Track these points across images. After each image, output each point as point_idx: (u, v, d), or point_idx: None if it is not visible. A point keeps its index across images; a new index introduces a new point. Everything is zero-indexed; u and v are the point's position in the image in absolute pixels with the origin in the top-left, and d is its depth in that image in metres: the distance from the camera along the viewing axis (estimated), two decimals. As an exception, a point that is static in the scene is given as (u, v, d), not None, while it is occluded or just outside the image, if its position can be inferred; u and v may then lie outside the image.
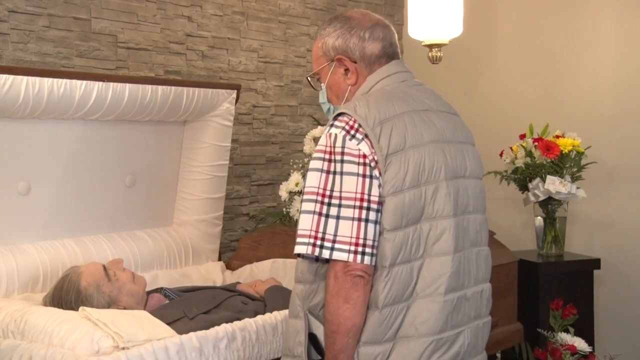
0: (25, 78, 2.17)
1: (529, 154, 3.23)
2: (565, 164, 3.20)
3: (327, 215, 1.59)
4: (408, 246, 1.62)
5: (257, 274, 2.81)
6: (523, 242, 3.70)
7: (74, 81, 2.30)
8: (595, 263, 3.29)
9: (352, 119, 1.63)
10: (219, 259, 3.01)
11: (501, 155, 3.33)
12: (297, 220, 2.82)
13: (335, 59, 1.78)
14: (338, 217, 1.58)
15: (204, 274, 2.86)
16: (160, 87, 2.54)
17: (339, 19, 1.80)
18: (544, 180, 3.17)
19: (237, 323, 2.11)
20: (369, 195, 1.59)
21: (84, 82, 2.32)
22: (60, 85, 2.26)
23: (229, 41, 3.32)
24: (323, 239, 1.58)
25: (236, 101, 2.84)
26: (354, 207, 1.58)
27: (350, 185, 1.59)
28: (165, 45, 3.08)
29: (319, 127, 3.00)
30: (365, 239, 1.58)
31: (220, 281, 2.85)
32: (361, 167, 1.60)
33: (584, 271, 3.28)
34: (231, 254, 3.18)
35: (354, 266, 1.57)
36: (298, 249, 1.61)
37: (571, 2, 3.65)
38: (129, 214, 2.72)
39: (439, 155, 1.69)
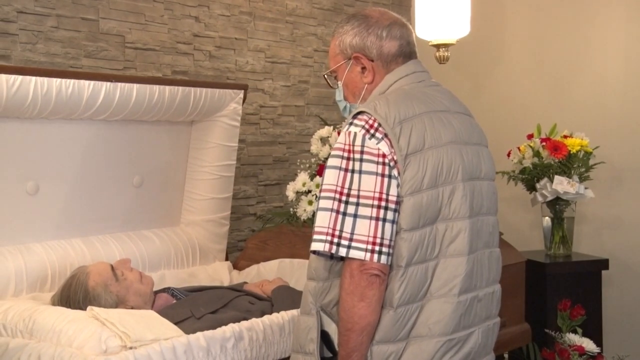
0: (33, 78, 2.18)
1: (536, 154, 3.22)
2: (573, 164, 3.19)
3: (345, 214, 1.59)
4: (424, 246, 1.63)
5: (264, 274, 2.81)
6: (531, 242, 3.69)
7: (82, 81, 2.31)
8: (604, 263, 3.28)
9: (372, 118, 1.63)
10: (226, 259, 3.01)
11: (509, 155, 3.32)
12: (304, 220, 2.84)
13: (352, 57, 1.78)
14: (355, 216, 1.58)
15: (211, 274, 2.87)
16: (167, 88, 2.54)
17: (357, 17, 1.80)
18: (551, 180, 3.16)
19: (244, 323, 2.12)
20: (387, 194, 1.59)
21: (92, 82, 2.33)
22: (68, 85, 2.27)
23: (236, 41, 3.32)
24: (340, 237, 1.58)
25: (243, 101, 2.84)
26: (372, 206, 1.58)
27: (369, 184, 1.59)
28: (173, 45, 3.08)
29: (326, 127, 3.00)
30: (382, 238, 1.58)
31: (228, 281, 2.86)
32: (380, 167, 1.60)
33: (592, 271, 3.26)
34: (238, 253, 3.18)
35: (370, 265, 1.58)
36: (315, 246, 1.61)
37: (579, 2, 3.64)
38: (137, 213, 2.73)
39: (457, 156, 1.69)
